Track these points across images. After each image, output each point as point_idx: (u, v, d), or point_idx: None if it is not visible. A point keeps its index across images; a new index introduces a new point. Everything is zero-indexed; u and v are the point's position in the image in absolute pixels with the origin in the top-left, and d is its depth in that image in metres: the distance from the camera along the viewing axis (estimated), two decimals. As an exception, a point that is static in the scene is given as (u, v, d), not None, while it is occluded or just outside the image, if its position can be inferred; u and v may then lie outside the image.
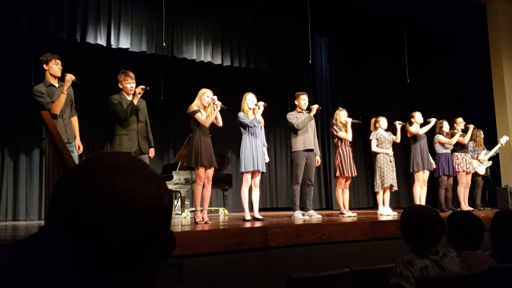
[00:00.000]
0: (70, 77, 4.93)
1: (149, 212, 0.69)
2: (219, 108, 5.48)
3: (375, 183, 7.05)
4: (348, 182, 6.88)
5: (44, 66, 5.04)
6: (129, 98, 5.10)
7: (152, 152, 5.34)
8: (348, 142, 6.83)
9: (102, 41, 8.42)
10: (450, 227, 2.62)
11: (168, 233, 0.73)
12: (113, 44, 8.55)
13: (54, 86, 5.03)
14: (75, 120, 5.26)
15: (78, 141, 5.22)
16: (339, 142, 6.82)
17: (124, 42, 8.67)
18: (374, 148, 7.11)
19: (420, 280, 2.06)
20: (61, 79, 5.06)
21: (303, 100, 6.59)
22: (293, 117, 6.49)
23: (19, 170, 9.17)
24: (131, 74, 5.18)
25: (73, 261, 0.67)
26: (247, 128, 5.85)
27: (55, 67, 5.03)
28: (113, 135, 5.09)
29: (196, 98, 5.54)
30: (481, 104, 11.07)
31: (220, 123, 5.57)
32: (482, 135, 8.67)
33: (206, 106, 5.52)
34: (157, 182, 0.73)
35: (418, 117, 7.56)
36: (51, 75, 5.03)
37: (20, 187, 9.11)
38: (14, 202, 9.01)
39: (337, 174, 6.80)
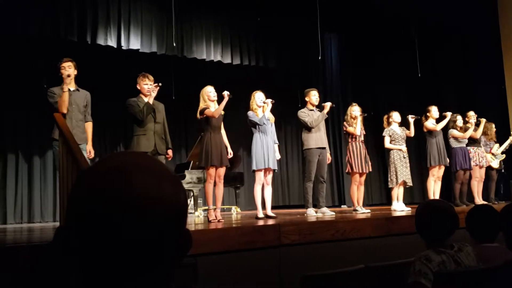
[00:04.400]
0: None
1: (165, 210, 0.69)
2: (227, 98, 5.52)
3: (389, 179, 7.01)
4: (363, 178, 6.80)
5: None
6: (146, 99, 5.17)
7: (170, 153, 5.44)
8: (359, 138, 6.77)
9: (112, 43, 8.47)
10: (468, 221, 2.69)
11: (184, 231, 0.74)
12: (124, 45, 8.60)
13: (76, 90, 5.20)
14: (89, 126, 5.32)
15: (89, 146, 5.28)
16: (350, 137, 6.77)
17: (134, 43, 8.71)
18: (387, 144, 7.05)
19: (438, 275, 2.05)
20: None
21: (314, 96, 6.55)
22: (305, 115, 6.43)
23: (33, 172, 9.24)
24: (150, 76, 5.31)
25: (89, 266, 0.67)
26: (257, 126, 5.86)
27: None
28: (132, 135, 5.20)
29: (200, 100, 5.58)
30: (493, 97, 10.95)
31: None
32: (494, 129, 8.53)
33: (214, 100, 5.58)
34: (172, 180, 0.73)
35: (434, 111, 7.45)
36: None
37: (34, 189, 9.18)
38: (29, 205, 9.08)
39: (347, 170, 6.76)
